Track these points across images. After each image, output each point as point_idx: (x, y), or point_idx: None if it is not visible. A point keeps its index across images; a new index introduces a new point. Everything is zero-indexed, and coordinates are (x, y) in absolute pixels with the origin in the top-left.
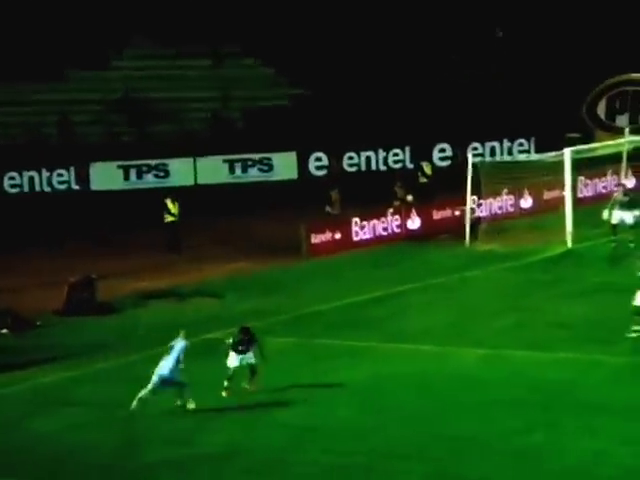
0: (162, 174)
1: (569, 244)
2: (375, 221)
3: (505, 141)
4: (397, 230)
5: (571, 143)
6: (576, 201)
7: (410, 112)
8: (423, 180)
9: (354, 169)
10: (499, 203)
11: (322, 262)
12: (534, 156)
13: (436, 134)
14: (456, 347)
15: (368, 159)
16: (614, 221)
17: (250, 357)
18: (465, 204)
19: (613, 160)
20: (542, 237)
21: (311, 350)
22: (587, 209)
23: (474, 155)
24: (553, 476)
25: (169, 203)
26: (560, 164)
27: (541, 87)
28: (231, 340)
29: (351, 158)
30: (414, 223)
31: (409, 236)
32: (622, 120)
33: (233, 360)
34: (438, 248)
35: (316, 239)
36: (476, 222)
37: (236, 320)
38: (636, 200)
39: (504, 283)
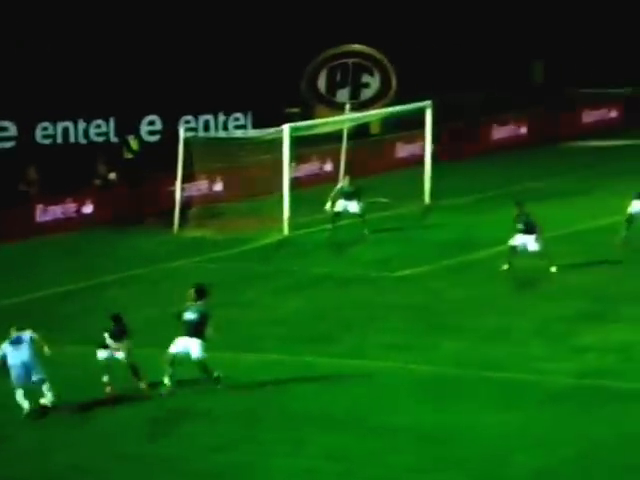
0: None
1: (286, 231)
2: (69, 203)
3: (220, 115)
4: (94, 213)
5: (291, 119)
6: (294, 183)
7: (114, 78)
8: (129, 156)
9: (49, 141)
10: (212, 184)
11: None
12: (251, 132)
13: (144, 105)
14: (155, 349)
15: (65, 130)
16: (337, 209)
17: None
18: (175, 184)
19: (336, 139)
20: (259, 223)
21: None
22: (307, 191)
23: (186, 130)
24: None
25: None
26: (279, 141)
27: (260, 55)
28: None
29: (45, 129)
30: (116, 205)
31: (108, 220)
32: (343, 95)
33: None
34: (142, 234)
35: None
36: (186, 205)
37: None
38: (361, 189)
39: (214, 275)
